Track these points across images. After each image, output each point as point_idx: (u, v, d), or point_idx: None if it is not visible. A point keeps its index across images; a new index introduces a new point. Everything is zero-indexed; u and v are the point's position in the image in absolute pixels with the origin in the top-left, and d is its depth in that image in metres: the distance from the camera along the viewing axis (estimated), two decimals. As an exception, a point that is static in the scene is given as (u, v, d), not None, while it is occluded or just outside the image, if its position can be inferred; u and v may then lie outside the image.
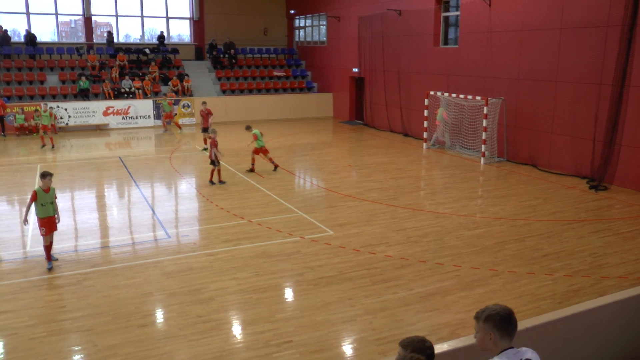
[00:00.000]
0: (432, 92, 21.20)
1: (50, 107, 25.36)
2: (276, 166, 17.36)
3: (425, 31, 22.64)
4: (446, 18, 22.12)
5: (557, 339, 5.15)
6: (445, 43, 22.26)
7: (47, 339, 7.47)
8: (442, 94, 20.54)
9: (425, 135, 21.40)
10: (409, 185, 15.64)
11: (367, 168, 17.90)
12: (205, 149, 20.74)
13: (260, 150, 17.21)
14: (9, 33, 29.37)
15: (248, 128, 17.63)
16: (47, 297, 8.79)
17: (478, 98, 18.69)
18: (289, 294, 8.92)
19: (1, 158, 20.49)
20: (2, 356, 7.16)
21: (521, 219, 12.36)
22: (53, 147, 21.69)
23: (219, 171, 15.80)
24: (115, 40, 32.44)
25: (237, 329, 7.77)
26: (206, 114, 21.55)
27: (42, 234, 9.90)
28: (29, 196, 9.97)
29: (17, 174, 17.44)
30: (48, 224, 9.88)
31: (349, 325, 7.75)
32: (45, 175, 9.82)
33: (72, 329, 7.74)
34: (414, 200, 14.11)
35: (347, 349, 7.29)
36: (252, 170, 17.20)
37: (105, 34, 32.91)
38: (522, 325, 4.64)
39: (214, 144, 15.59)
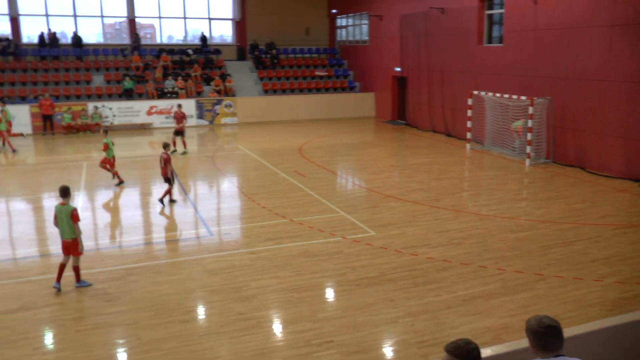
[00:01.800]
0: (475, 92, 20.89)
1: (95, 106, 26.06)
2: (120, 181, 15.85)
3: (468, 29, 22.32)
4: (490, 16, 21.75)
5: (606, 347, 4.98)
6: (489, 41, 21.89)
7: (93, 332, 7.66)
8: (486, 94, 20.22)
9: (468, 135, 21.10)
10: (451, 187, 15.44)
11: (409, 168, 17.75)
12: (184, 153, 20.54)
13: (107, 161, 15.88)
14: (57, 35, 30.32)
15: (105, 132, 16.17)
16: (93, 290, 8.99)
17: (523, 98, 18.31)
18: (330, 294, 8.90)
19: (49, 156, 21.11)
20: (51, 346, 7.39)
21: (568, 223, 12.04)
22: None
23: (169, 190, 13.85)
24: (158, 41, 33.25)
25: (277, 327, 7.79)
26: (180, 117, 20.67)
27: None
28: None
29: (65, 172, 17.90)
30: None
31: (390, 326, 7.68)
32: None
33: (117, 323, 7.92)
34: (456, 201, 13.92)
35: (388, 351, 7.23)
36: (120, 182, 15.83)
37: (148, 36, 33.62)
38: (568, 332, 4.50)
39: (169, 161, 13.68)
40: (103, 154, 16.07)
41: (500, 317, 7.87)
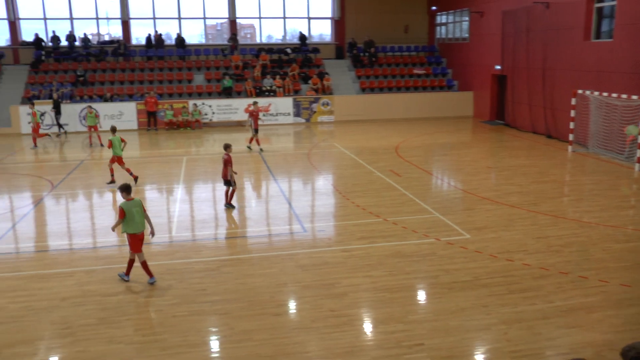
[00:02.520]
0: (580, 91, 19.94)
1: (195, 104, 27.14)
2: (135, 178, 15.81)
3: (574, 24, 21.31)
4: (599, 9, 20.62)
5: None
6: (597, 37, 20.77)
7: (188, 318, 8.09)
8: (592, 93, 19.25)
9: (571, 137, 20.20)
10: (551, 191, 14.86)
11: (507, 170, 17.26)
12: (261, 150, 20.95)
13: (116, 160, 15.70)
14: (162, 37, 32.05)
15: (113, 130, 15.73)
16: (189, 279, 9.46)
17: (634, 97, 17.28)
18: (422, 296, 8.87)
19: (152, 150, 22.30)
20: (150, 329, 7.89)
21: (680, 233, 11.31)
22: (91, 144, 22.97)
23: (233, 192, 13.60)
24: (257, 41, 34.42)
25: (368, 327, 7.86)
26: (257, 114, 20.87)
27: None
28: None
29: (166, 165, 18.85)
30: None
31: (482, 333, 7.56)
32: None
33: (211, 311, 8.31)
34: (556, 206, 13.40)
35: (480, 358, 7.12)
36: (112, 182, 15.69)
37: (248, 35, 34.67)
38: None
39: (229, 162, 13.23)
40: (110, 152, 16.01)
41: (602, 332, 7.52)
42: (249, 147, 21.21)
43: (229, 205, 13.48)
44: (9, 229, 12.14)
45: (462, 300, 8.44)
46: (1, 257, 10.64)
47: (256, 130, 20.89)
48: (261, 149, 21.09)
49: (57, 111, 25.56)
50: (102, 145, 22.64)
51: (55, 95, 25.67)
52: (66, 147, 23.06)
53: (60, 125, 25.84)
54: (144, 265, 9.27)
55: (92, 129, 23.14)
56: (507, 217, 12.51)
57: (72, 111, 26.40)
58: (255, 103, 21.79)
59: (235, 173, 13.50)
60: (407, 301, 8.55)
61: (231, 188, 13.41)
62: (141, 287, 9.12)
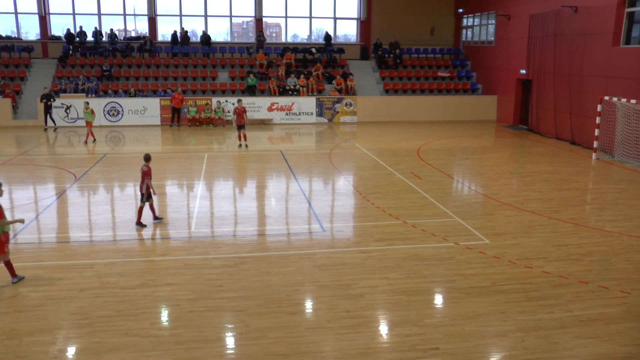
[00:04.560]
0: (606, 98, 19.65)
1: (219, 101, 27.28)
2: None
3: (604, 29, 21.00)
4: (630, 14, 20.28)
5: None
6: (627, 42, 20.45)
7: (204, 314, 8.14)
8: (619, 100, 18.95)
9: (595, 144, 19.92)
10: (573, 198, 14.67)
11: (528, 176, 17.07)
12: (240, 146, 21.65)
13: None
14: (188, 34, 32.31)
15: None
16: (207, 275, 9.51)
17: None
18: (438, 300, 8.81)
19: (175, 146, 22.49)
20: (167, 323, 7.96)
21: None
22: (86, 142, 22.24)
23: (150, 205, 12.14)
24: (282, 40, 34.56)
25: (384, 329, 7.84)
26: (241, 112, 21.43)
27: None
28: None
29: (187, 161, 18.99)
30: None
31: (499, 340, 7.48)
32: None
33: (227, 308, 8.35)
34: (577, 214, 13.22)
35: (496, 364, 7.06)
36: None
37: (274, 34, 34.82)
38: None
39: (148, 174, 11.88)
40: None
41: (622, 344, 7.38)
42: (240, 145, 21.73)
43: (140, 225, 11.96)
44: (32, 220, 12.33)
45: (478, 306, 8.37)
46: (24, 247, 10.82)
47: (240, 127, 21.52)
48: (240, 145, 21.70)
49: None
50: (94, 141, 22.47)
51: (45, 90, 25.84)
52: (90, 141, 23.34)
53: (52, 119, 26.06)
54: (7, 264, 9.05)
55: (88, 125, 22.36)
56: (527, 223, 12.38)
57: (97, 105, 26.72)
58: (239, 101, 22.17)
59: (155, 193, 12.33)
60: (424, 305, 8.50)
61: (148, 202, 12.01)
62: (160, 282, 9.20)
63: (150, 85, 29.14)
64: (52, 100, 25.67)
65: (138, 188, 12.59)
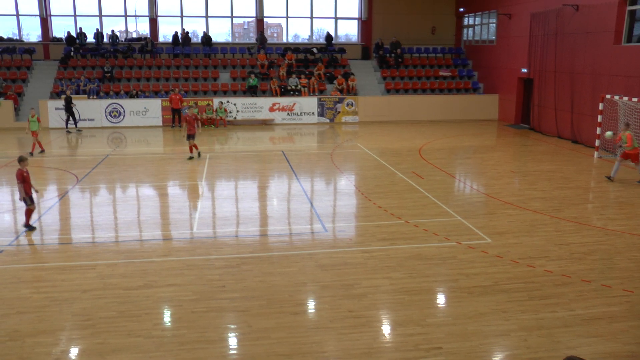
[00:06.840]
0: (608, 96, 19.62)
1: (221, 102, 27.29)
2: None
3: (605, 28, 20.97)
4: (632, 12, 20.25)
5: None
6: (629, 41, 20.42)
7: (207, 314, 8.14)
8: (621, 98, 18.93)
9: (597, 143, 19.90)
10: (575, 197, 14.66)
11: (530, 175, 17.06)
12: (191, 158, 19.23)
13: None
14: (189, 35, 32.35)
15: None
16: (209, 275, 9.52)
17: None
18: (441, 300, 8.80)
19: (175, 147, 22.46)
20: (169, 324, 7.97)
21: None
22: (32, 154, 19.86)
23: (29, 212, 11.75)
24: (284, 40, 34.53)
25: (386, 329, 7.83)
26: (193, 119, 19.06)
27: None
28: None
29: (189, 162, 18.95)
30: None
31: (501, 339, 7.48)
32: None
33: (230, 308, 8.35)
34: (580, 213, 13.21)
35: (499, 363, 7.06)
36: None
37: (275, 34, 34.83)
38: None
39: (25, 178, 11.55)
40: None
41: (625, 343, 7.38)
42: (191, 157, 19.22)
43: (29, 227, 11.70)
44: (35, 221, 12.33)
45: (481, 305, 8.36)
46: (26, 249, 10.84)
47: (190, 136, 19.05)
48: (191, 157, 19.25)
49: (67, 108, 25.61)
50: (42, 151, 20.49)
51: (68, 92, 25.85)
52: (92, 142, 23.37)
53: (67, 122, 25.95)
54: None
55: (34, 135, 20.45)
56: (529, 222, 12.36)
57: (98, 107, 26.76)
58: (190, 107, 20.47)
59: (37, 191, 12.20)
60: (426, 304, 8.50)
61: (27, 207, 11.65)
62: (162, 282, 9.20)
63: (151, 86, 29.18)
64: (72, 103, 25.67)
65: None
